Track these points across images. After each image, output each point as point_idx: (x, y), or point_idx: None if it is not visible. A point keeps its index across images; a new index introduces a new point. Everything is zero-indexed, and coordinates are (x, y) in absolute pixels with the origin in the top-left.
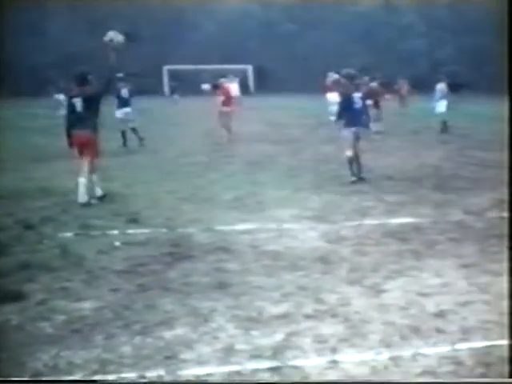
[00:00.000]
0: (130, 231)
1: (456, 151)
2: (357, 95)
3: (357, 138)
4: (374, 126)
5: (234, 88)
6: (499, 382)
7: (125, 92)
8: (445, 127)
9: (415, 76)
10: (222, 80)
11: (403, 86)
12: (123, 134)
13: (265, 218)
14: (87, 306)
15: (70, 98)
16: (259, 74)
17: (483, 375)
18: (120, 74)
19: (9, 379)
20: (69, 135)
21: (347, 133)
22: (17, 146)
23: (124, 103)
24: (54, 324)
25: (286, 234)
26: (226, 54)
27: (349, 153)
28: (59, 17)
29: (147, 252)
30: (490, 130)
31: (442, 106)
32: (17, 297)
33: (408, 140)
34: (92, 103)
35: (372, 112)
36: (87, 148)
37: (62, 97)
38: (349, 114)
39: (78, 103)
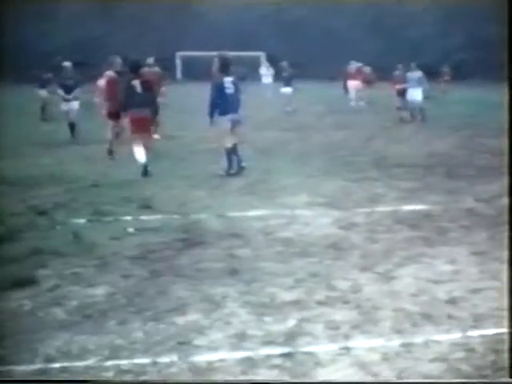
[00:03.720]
0: (143, 217)
1: (466, 139)
2: (228, 80)
3: (234, 125)
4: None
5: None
6: (499, 381)
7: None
8: (422, 116)
9: (423, 63)
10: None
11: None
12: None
13: (276, 205)
14: (99, 291)
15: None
16: (272, 60)
17: (494, 362)
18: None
19: (9, 379)
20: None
21: (224, 121)
22: (24, 132)
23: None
24: (66, 309)
25: (297, 221)
26: (238, 41)
27: (228, 144)
28: (68, 3)
29: (159, 238)
30: (500, 117)
31: (416, 95)
32: (29, 282)
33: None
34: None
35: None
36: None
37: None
38: (221, 100)
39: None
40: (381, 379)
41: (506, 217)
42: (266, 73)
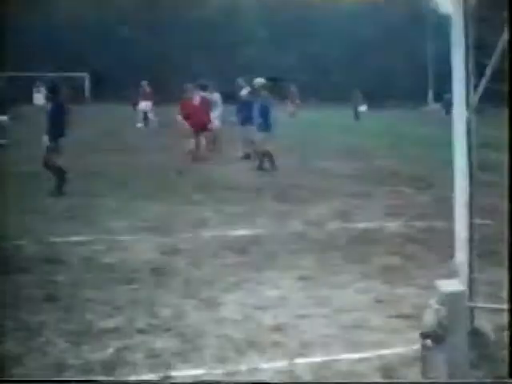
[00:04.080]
0: None
1: (298, 160)
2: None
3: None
4: None
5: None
6: (499, 382)
7: None
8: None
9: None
10: None
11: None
12: None
13: (98, 230)
14: None
15: None
16: (96, 81)
17: None
18: None
19: (9, 379)
20: None
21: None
22: None
23: None
24: None
25: (119, 246)
26: (62, 61)
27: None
28: None
29: None
30: (334, 138)
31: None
32: None
33: None
34: None
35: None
36: None
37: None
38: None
39: None
40: None
41: (335, 241)
42: None
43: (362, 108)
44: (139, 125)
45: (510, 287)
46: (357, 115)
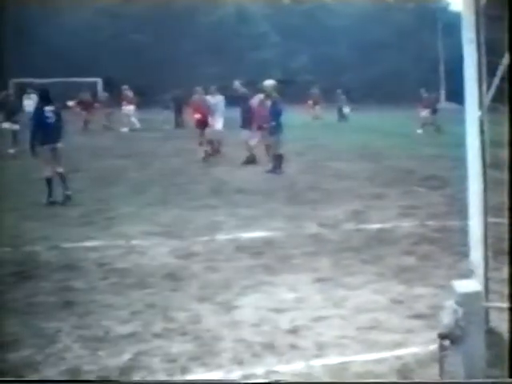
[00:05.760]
0: None
1: (311, 162)
2: (48, 109)
3: (55, 155)
4: None
5: None
6: (499, 381)
7: None
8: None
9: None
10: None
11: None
12: None
13: (113, 235)
14: None
15: None
16: (109, 86)
17: None
18: None
19: (9, 379)
20: None
21: (43, 151)
22: None
23: None
24: None
25: (134, 251)
26: (76, 67)
27: (47, 172)
28: None
29: None
30: (345, 140)
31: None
32: None
33: None
34: None
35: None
36: None
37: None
38: (42, 129)
39: None
40: None
41: (350, 242)
42: None
43: (346, 109)
44: (124, 129)
45: (510, 286)
46: (342, 116)
